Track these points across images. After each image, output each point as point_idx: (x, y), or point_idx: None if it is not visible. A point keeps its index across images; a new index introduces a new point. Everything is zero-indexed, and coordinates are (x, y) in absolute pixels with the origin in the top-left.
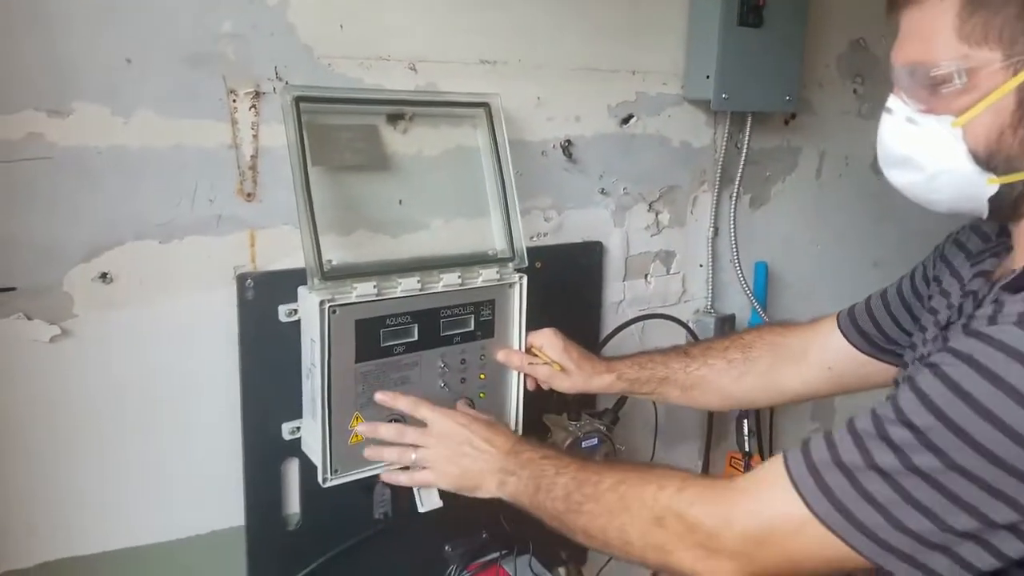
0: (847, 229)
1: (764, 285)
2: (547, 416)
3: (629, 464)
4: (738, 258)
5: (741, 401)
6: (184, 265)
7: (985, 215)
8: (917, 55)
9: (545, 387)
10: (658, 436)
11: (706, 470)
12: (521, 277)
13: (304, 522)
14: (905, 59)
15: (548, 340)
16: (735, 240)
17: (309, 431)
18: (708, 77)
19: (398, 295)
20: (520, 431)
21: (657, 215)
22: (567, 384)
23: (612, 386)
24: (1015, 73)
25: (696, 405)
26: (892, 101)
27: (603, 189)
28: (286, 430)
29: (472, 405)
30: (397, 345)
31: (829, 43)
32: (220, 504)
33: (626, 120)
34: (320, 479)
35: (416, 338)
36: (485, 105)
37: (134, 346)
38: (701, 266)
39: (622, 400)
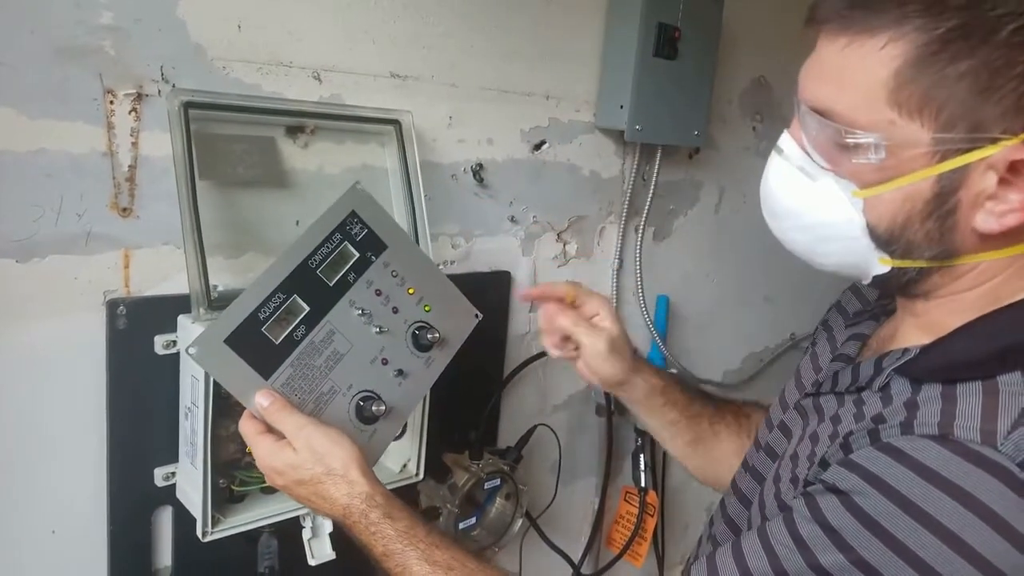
0: (742, 264)
1: (665, 319)
2: (447, 455)
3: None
4: (642, 291)
5: (722, 479)
6: (45, 288)
7: (867, 283)
8: (831, 101)
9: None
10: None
11: (603, 506)
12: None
13: None
14: (815, 99)
15: (607, 310)
16: (640, 273)
17: (186, 477)
18: (622, 107)
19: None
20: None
21: (565, 245)
22: (608, 371)
23: (647, 400)
24: (941, 159)
25: (698, 471)
26: (786, 141)
27: (513, 216)
28: (159, 475)
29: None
30: (295, 330)
31: (734, 79)
32: (79, 555)
33: (538, 146)
34: (200, 532)
35: (308, 308)
36: (395, 123)
37: None
38: None
39: (526, 436)
